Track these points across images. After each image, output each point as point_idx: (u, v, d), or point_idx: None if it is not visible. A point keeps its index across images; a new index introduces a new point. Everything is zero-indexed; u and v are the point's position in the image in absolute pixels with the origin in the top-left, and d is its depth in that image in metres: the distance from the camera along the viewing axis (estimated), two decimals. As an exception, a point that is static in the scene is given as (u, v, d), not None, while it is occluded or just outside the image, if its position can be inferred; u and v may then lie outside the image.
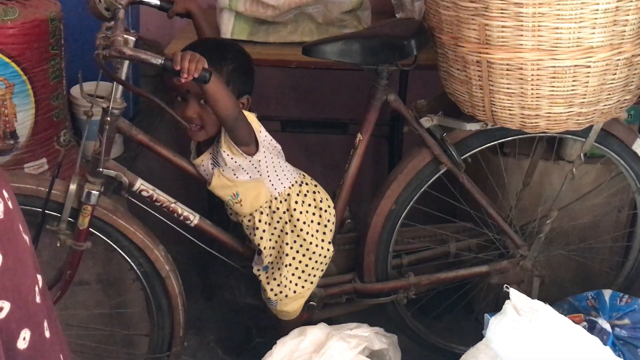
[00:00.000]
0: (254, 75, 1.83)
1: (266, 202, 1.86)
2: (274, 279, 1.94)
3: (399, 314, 2.17)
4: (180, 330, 1.98)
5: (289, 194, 1.88)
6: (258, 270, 1.97)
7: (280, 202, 1.87)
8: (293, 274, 1.93)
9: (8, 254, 0.93)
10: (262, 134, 1.79)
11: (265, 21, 2.28)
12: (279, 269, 1.93)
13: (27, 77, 1.93)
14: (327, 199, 1.96)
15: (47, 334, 1.01)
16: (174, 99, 1.76)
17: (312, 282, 1.97)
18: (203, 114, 1.74)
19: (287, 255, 1.91)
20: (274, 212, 1.87)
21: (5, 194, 0.95)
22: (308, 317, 2.05)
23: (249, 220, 1.89)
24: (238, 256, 2.03)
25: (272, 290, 1.94)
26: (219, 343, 2.45)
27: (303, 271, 1.94)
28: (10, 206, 0.96)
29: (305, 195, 1.90)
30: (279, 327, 2.05)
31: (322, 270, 1.99)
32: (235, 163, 1.76)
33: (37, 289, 0.99)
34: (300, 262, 1.93)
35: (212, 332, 2.49)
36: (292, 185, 1.89)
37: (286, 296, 1.94)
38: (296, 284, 1.94)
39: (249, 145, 1.75)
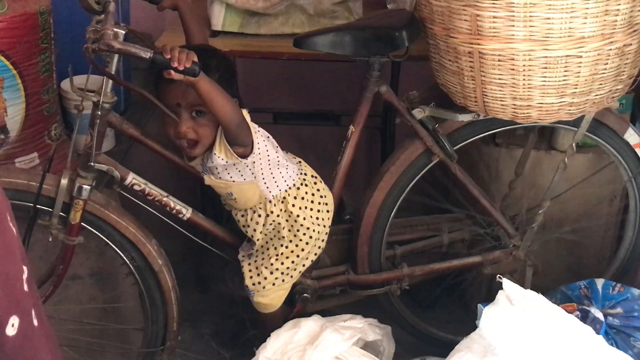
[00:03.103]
0: (236, 78, 1.81)
1: (260, 202, 1.86)
2: (256, 268, 1.93)
3: (392, 305, 2.18)
4: (174, 324, 1.98)
5: (285, 198, 1.86)
6: (243, 256, 1.96)
7: (275, 205, 1.86)
8: (277, 269, 1.92)
9: None
10: (259, 135, 1.77)
11: (257, 13, 2.27)
12: (262, 259, 1.93)
13: (17, 71, 1.92)
14: (328, 196, 1.95)
15: (36, 322, 1.01)
16: (163, 116, 1.73)
17: (292, 276, 1.96)
18: (197, 127, 1.71)
19: (280, 252, 1.90)
20: (267, 215, 1.86)
21: None
22: (301, 309, 2.05)
23: (242, 216, 1.89)
24: (231, 249, 2.02)
25: (251, 278, 1.93)
26: (214, 336, 2.45)
27: (288, 267, 1.93)
28: None
29: (303, 198, 1.89)
30: (260, 320, 2.05)
31: (305, 265, 1.98)
32: (226, 163, 1.74)
33: (24, 277, 1.00)
34: (288, 257, 1.92)
35: (206, 325, 2.50)
36: (290, 188, 1.87)
37: (264, 287, 1.93)
38: (276, 278, 1.93)
39: (246, 147, 1.73)
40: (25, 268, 1.00)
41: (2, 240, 0.94)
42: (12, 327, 0.95)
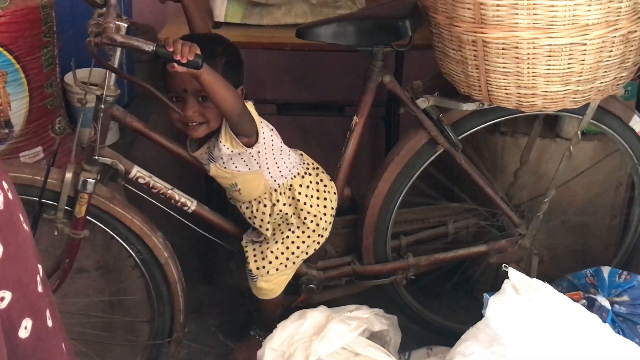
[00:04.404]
0: (243, 66, 1.82)
1: (265, 193, 1.86)
2: (261, 252, 1.94)
3: (398, 295, 2.18)
4: (180, 316, 1.99)
5: (291, 185, 1.88)
6: (247, 242, 1.97)
7: (281, 194, 1.87)
8: (282, 253, 1.93)
9: (9, 244, 0.93)
10: (264, 124, 1.78)
11: (259, 3, 2.26)
12: (267, 243, 1.93)
13: (20, 66, 1.91)
14: (330, 187, 1.96)
15: (50, 322, 1.01)
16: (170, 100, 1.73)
17: (294, 263, 1.97)
18: (203, 110, 1.72)
19: (285, 236, 1.91)
20: (273, 204, 1.87)
21: (5, 185, 0.95)
22: (306, 299, 2.06)
23: (247, 208, 1.89)
24: (237, 241, 2.03)
25: (255, 262, 1.94)
26: (220, 327, 2.45)
27: (293, 253, 1.94)
28: (10, 197, 0.96)
29: (308, 187, 1.90)
30: (259, 309, 2.06)
31: (308, 254, 1.98)
32: (232, 152, 1.75)
33: (38, 278, 1.00)
34: (293, 242, 1.93)
35: (212, 316, 2.50)
36: (294, 177, 1.88)
37: (267, 272, 1.94)
38: (280, 262, 1.94)
39: (250, 137, 1.74)
40: (39, 267, 1.00)
41: (15, 242, 0.94)
42: (25, 329, 0.95)
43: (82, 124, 1.81)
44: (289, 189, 1.88)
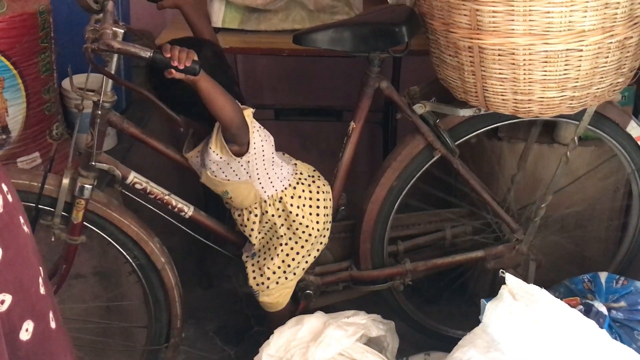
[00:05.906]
0: (230, 69, 1.81)
1: (256, 202, 1.86)
2: (259, 269, 1.94)
3: (395, 300, 2.18)
4: (177, 321, 1.99)
5: (281, 198, 1.87)
6: (247, 257, 1.97)
7: (270, 205, 1.86)
8: (279, 267, 1.93)
9: (9, 247, 0.93)
10: (256, 134, 1.77)
11: (256, 9, 2.26)
12: (264, 259, 1.93)
13: (17, 71, 1.92)
14: (326, 191, 1.95)
15: (53, 324, 1.01)
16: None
17: (295, 274, 1.97)
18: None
19: (279, 250, 1.90)
20: (263, 214, 1.87)
21: (5, 188, 0.95)
22: (304, 305, 2.06)
23: (239, 216, 1.89)
24: (234, 246, 2.03)
25: (254, 278, 1.94)
26: (218, 332, 2.46)
27: (289, 265, 1.93)
28: (10, 199, 0.96)
29: (300, 197, 1.89)
30: (267, 318, 2.06)
31: (308, 262, 1.98)
32: (220, 159, 1.74)
33: (40, 280, 1.00)
34: (288, 255, 1.92)
35: (210, 321, 2.50)
36: (286, 188, 1.87)
37: (267, 287, 1.94)
38: (279, 277, 1.94)
39: (242, 146, 1.73)
40: (41, 269, 1.00)
41: (16, 245, 0.94)
42: (26, 332, 0.95)
43: (80, 129, 1.80)
44: (279, 201, 1.87)
